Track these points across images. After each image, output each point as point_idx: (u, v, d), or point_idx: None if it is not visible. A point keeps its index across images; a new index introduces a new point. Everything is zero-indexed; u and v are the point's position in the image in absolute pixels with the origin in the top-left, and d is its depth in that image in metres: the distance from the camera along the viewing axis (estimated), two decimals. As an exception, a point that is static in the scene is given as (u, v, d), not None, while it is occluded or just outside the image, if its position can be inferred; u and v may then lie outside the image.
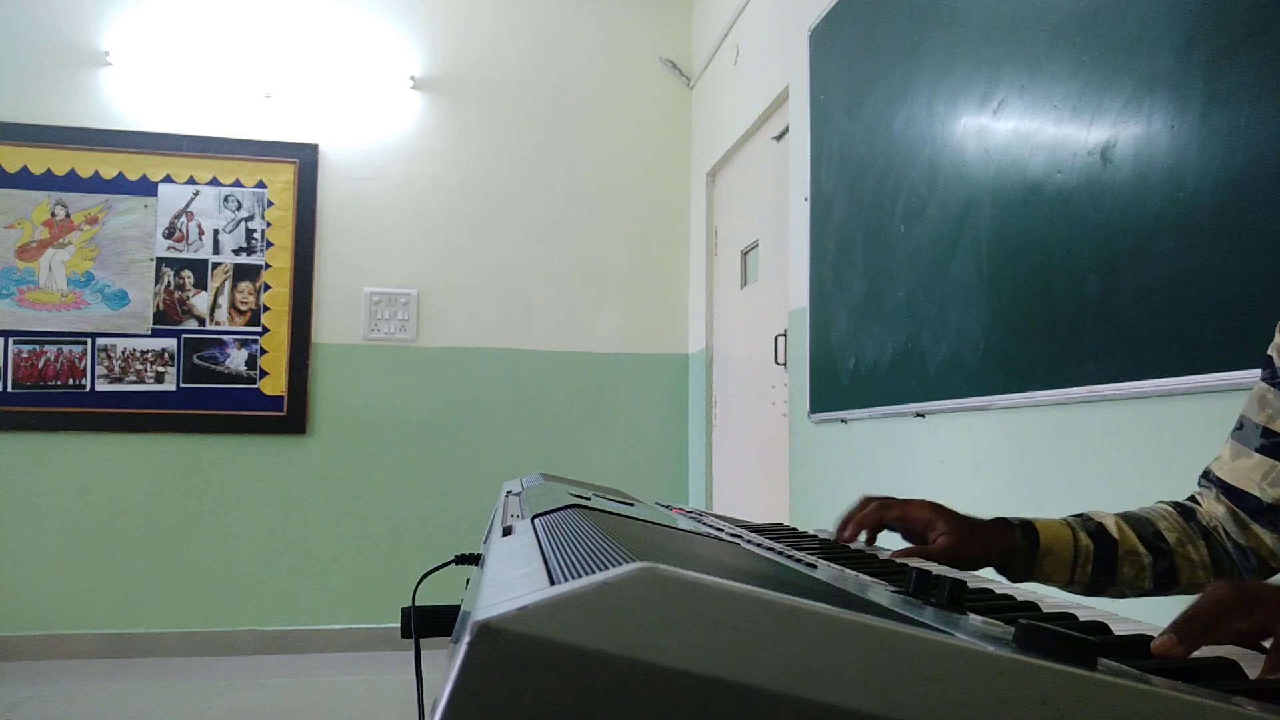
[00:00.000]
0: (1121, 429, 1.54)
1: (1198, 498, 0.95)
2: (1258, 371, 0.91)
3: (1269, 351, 0.90)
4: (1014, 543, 0.87)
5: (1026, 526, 0.88)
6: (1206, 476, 0.95)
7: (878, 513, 0.92)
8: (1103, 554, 0.88)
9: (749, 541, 0.79)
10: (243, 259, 4.05)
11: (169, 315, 3.98)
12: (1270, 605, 0.48)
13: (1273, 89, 1.21)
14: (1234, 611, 0.48)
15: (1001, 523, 0.89)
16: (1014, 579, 0.89)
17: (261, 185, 4.06)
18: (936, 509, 0.89)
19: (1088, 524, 0.90)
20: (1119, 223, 1.49)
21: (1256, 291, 1.23)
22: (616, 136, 4.43)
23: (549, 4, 4.41)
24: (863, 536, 0.95)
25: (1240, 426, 0.91)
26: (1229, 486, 0.90)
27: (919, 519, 0.89)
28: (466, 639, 0.25)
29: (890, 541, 0.95)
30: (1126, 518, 0.91)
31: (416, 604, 0.88)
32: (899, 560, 0.82)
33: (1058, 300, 1.64)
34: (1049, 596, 0.71)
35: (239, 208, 4.05)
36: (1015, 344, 1.78)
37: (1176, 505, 0.95)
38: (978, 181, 1.92)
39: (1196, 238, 1.33)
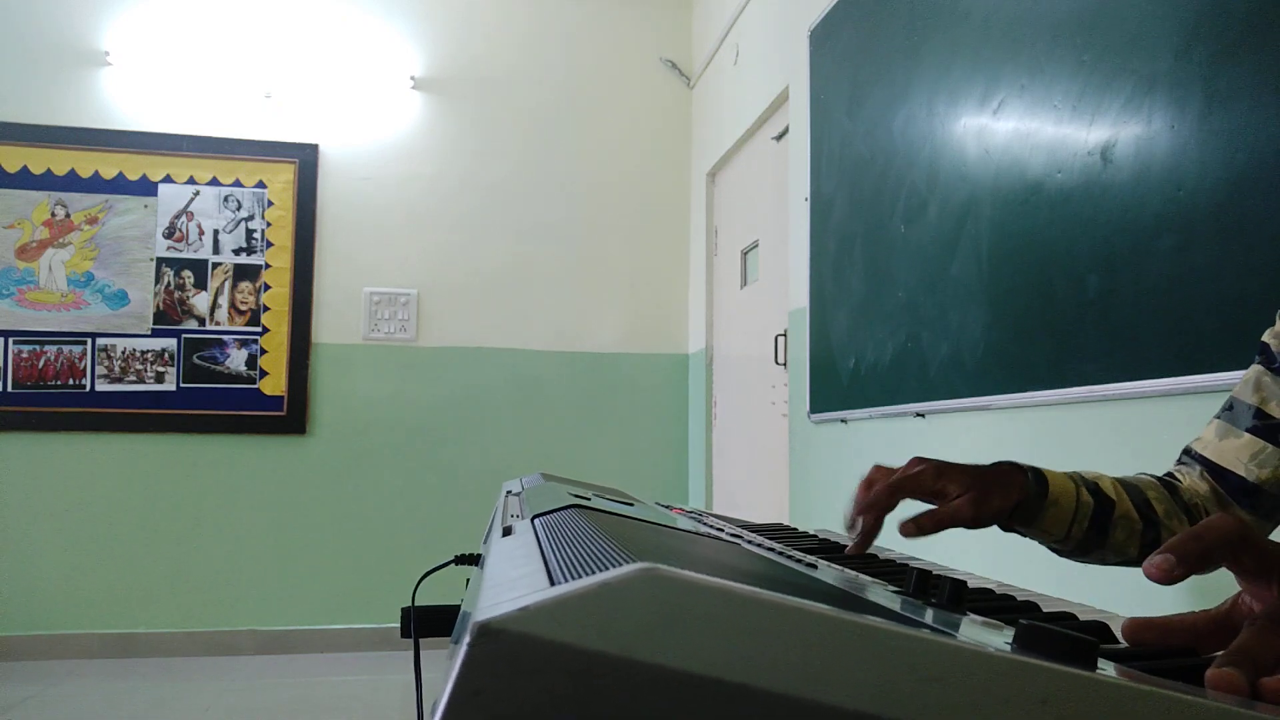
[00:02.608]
0: (1121, 429, 1.54)
1: (1177, 475, 0.93)
2: (1258, 371, 0.91)
3: (1264, 338, 0.89)
4: (1025, 490, 0.82)
5: (1036, 473, 0.84)
6: (1189, 453, 0.93)
7: (888, 500, 0.80)
8: (1100, 514, 0.85)
9: (749, 542, 0.79)
10: (243, 259, 4.05)
11: (169, 315, 3.98)
12: (1260, 552, 0.48)
13: (1273, 89, 1.21)
14: (1233, 546, 0.48)
15: (1011, 468, 0.83)
16: (1009, 527, 0.84)
17: (261, 185, 4.06)
18: (940, 469, 0.80)
19: (1086, 481, 0.87)
20: (1119, 222, 1.49)
21: (1256, 291, 1.23)
22: (617, 136, 4.43)
23: (549, 4, 4.41)
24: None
25: (1230, 407, 0.90)
26: (1214, 465, 0.89)
27: (925, 485, 0.79)
28: (467, 639, 0.25)
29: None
30: (1121, 481, 0.89)
31: (416, 604, 0.88)
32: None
33: (1057, 300, 1.64)
34: (1048, 595, 0.71)
35: (239, 208, 4.05)
36: (1015, 344, 1.78)
37: (1159, 479, 0.92)
38: (978, 181, 1.92)
39: (1196, 237, 1.33)
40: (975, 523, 0.79)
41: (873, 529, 0.80)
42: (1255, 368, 0.89)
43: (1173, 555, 0.46)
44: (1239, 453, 0.88)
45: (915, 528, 0.77)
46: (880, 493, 0.79)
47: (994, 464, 0.83)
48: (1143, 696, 0.29)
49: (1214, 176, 1.30)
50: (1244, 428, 0.88)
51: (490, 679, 0.25)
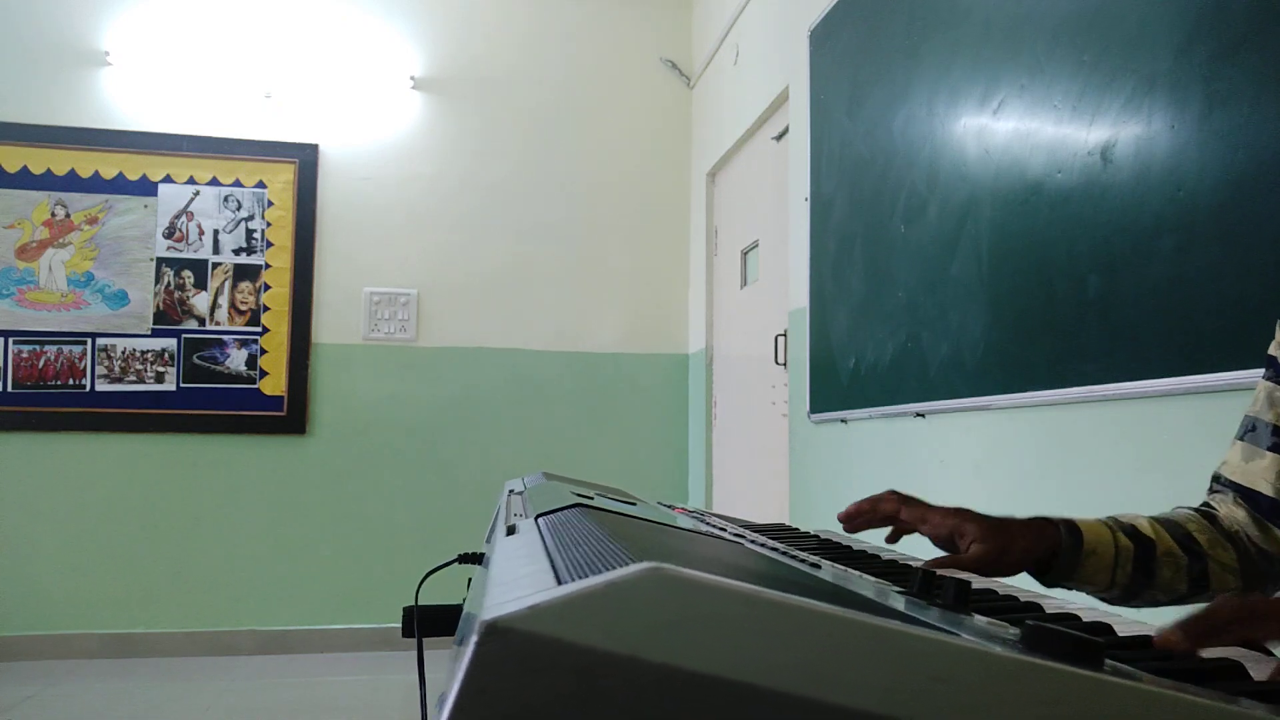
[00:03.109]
0: (1121, 429, 1.54)
1: (1213, 504, 0.91)
2: (1258, 371, 0.90)
3: (1271, 351, 0.88)
4: (1059, 542, 0.82)
5: (1070, 525, 0.83)
6: (1218, 480, 0.91)
7: (895, 504, 0.86)
8: (1141, 555, 0.83)
9: (752, 541, 0.79)
10: (243, 259, 4.05)
11: (169, 315, 3.98)
12: (1276, 619, 0.49)
13: (1273, 89, 1.21)
14: (1242, 623, 0.49)
15: (1041, 522, 0.83)
16: (1051, 583, 0.84)
17: (261, 185, 4.06)
18: (961, 515, 0.83)
19: (1122, 525, 0.86)
20: (1119, 223, 1.49)
21: (1256, 291, 1.23)
22: (617, 136, 4.43)
23: (549, 4, 4.41)
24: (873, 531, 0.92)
25: (1252, 429, 0.88)
26: (1242, 488, 0.87)
27: (943, 526, 0.83)
28: (475, 638, 0.25)
29: (918, 548, 0.90)
30: (1158, 519, 0.87)
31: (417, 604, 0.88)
32: (932, 571, 0.72)
33: (1057, 300, 1.64)
34: (1050, 598, 0.71)
35: (239, 208, 4.05)
36: (1015, 344, 1.78)
37: (1196, 510, 0.90)
38: (978, 181, 1.92)
39: (1196, 238, 1.33)
40: (990, 573, 0.80)
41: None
42: (1265, 384, 0.87)
43: (1180, 632, 0.49)
44: (1264, 472, 0.85)
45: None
46: (895, 533, 0.88)
47: (1026, 518, 0.84)
48: (1149, 697, 0.29)
49: (1214, 176, 1.30)
50: (1265, 447, 0.86)
51: (497, 677, 0.25)
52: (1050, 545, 0.82)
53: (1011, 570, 0.81)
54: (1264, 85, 1.23)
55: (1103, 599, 0.86)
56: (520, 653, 0.25)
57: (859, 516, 0.88)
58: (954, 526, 0.83)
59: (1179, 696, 0.29)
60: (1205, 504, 0.91)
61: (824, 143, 2.77)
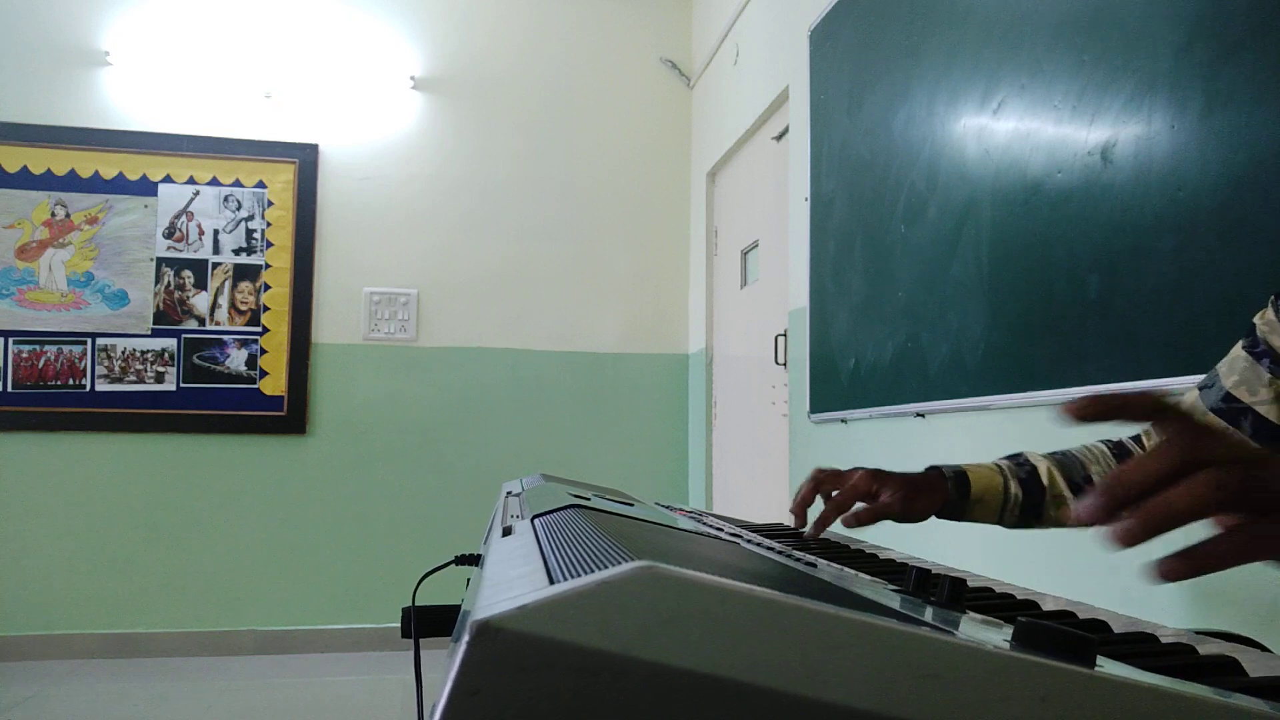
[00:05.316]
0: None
1: (1143, 437, 1.02)
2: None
3: (1255, 319, 0.91)
4: (947, 494, 0.96)
5: (960, 478, 0.97)
6: None
7: (812, 489, 1.01)
8: (1031, 501, 0.97)
9: (749, 541, 0.79)
10: (243, 259, 4.05)
11: (169, 315, 3.98)
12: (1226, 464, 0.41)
13: (1273, 89, 1.21)
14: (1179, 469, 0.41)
15: (936, 476, 0.98)
16: (946, 518, 0.99)
17: (261, 185, 4.06)
18: (876, 476, 0.97)
19: (1021, 469, 0.99)
20: (1119, 223, 1.49)
21: (1257, 291, 1.23)
22: (617, 136, 4.43)
23: (550, 4, 4.41)
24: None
25: (1210, 385, 0.95)
26: None
27: (862, 489, 0.97)
28: (466, 638, 0.25)
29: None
30: (1060, 460, 1.00)
31: (416, 604, 0.88)
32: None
33: (1058, 300, 1.64)
34: (1048, 594, 0.71)
35: (239, 208, 4.05)
36: (1015, 344, 1.78)
37: (1114, 444, 1.03)
38: (978, 181, 1.92)
39: (1196, 237, 1.33)
40: (903, 519, 0.95)
41: (828, 523, 0.99)
42: (1238, 348, 0.93)
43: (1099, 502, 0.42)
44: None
45: (855, 520, 0.95)
46: (829, 512, 0.97)
47: (924, 471, 0.99)
48: (1141, 692, 0.29)
49: (1214, 176, 1.30)
50: (1209, 405, 0.94)
51: (489, 678, 0.25)
52: (943, 498, 0.96)
53: (919, 517, 0.96)
54: (1264, 85, 1.23)
55: (1001, 525, 1.01)
56: (511, 653, 0.25)
57: (803, 507, 1.02)
58: (869, 489, 0.97)
59: (1171, 691, 0.29)
60: (1136, 436, 1.03)
61: (824, 143, 2.77)
